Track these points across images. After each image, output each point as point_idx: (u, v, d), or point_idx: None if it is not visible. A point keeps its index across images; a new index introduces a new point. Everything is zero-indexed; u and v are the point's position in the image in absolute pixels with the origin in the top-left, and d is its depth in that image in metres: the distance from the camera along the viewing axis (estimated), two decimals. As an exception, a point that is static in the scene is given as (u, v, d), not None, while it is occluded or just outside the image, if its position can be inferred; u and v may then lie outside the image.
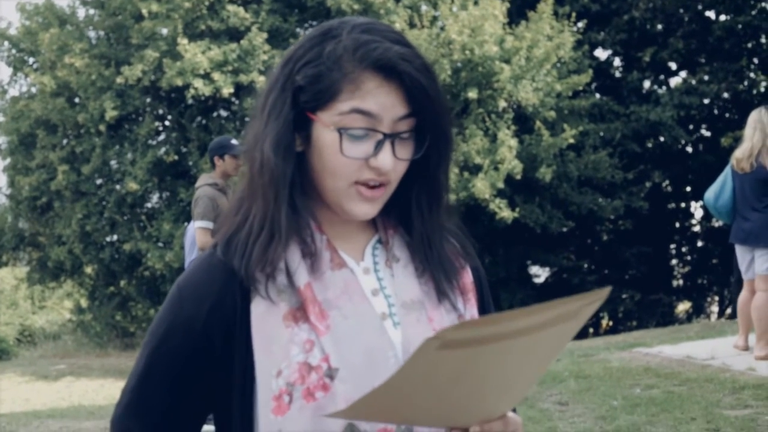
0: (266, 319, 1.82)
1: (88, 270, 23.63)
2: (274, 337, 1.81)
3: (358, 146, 1.82)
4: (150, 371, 1.91)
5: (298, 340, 1.80)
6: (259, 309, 1.83)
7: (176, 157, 21.69)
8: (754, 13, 23.09)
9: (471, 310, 2.01)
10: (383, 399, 1.57)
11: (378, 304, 1.90)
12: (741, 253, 9.46)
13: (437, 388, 1.57)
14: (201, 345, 1.85)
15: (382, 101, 1.81)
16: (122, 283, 23.65)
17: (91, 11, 23.46)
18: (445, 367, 1.51)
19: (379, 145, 1.83)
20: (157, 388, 1.90)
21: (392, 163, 1.84)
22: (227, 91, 19.95)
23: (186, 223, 17.53)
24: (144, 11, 20.44)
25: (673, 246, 26.16)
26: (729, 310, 23.95)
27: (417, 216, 1.96)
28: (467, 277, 2.05)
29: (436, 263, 1.97)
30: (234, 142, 8.93)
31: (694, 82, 23.67)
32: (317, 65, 1.83)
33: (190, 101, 21.27)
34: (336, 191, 1.87)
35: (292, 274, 1.84)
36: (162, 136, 22.88)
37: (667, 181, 24.69)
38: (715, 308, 25.79)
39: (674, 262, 26.41)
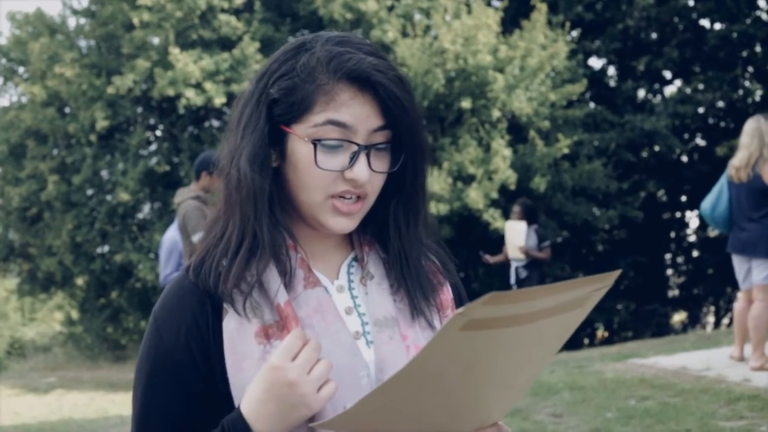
0: (238, 335, 1.81)
1: (79, 281, 23.62)
2: (245, 354, 1.79)
3: (333, 158, 1.82)
4: (147, 411, 1.87)
5: (270, 358, 1.76)
6: (230, 325, 1.81)
7: (168, 168, 21.71)
8: (748, 21, 23.09)
9: None
10: (382, 401, 1.57)
11: (351, 322, 1.89)
12: (738, 263, 9.42)
13: (443, 386, 1.57)
14: (187, 371, 1.83)
15: (356, 112, 1.80)
16: (113, 294, 23.63)
17: (82, 20, 23.52)
18: (460, 354, 1.51)
19: (354, 157, 1.82)
20: (159, 426, 1.86)
21: (368, 174, 1.83)
22: (219, 100, 19.94)
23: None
24: (135, 20, 20.44)
25: (668, 256, 26.11)
26: (726, 320, 23.92)
27: (394, 232, 1.96)
28: (446, 294, 2.03)
29: (413, 280, 1.96)
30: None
31: (688, 91, 23.66)
32: (291, 77, 1.83)
33: (181, 111, 21.28)
34: (312, 205, 1.86)
35: (269, 291, 1.83)
36: (153, 146, 22.93)
37: (662, 191, 24.66)
38: (710, 318, 25.74)
39: (670, 272, 26.38)
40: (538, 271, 13.25)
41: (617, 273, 1.60)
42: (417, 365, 1.50)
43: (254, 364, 1.78)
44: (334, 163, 1.81)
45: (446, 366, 1.53)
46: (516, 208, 13.81)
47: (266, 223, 1.83)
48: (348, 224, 1.88)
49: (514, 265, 13.26)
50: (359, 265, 1.98)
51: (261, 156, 1.83)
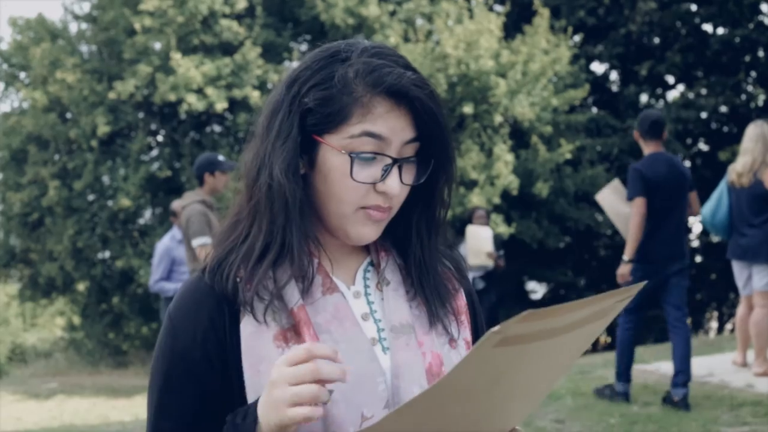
0: (255, 339, 1.82)
1: (80, 287, 23.53)
2: (263, 358, 1.80)
3: (366, 170, 1.83)
4: (162, 410, 1.88)
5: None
6: (247, 329, 1.82)
7: (169, 173, 21.64)
8: (751, 26, 23.04)
9: (464, 333, 2.02)
10: (409, 417, 1.57)
11: (368, 328, 1.90)
12: (738, 269, 9.42)
13: (470, 399, 1.59)
14: (203, 370, 1.85)
15: (392, 125, 1.82)
16: (114, 300, 23.53)
17: (83, 26, 23.45)
18: (490, 369, 1.54)
19: (387, 170, 1.84)
20: (174, 425, 1.87)
21: (399, 188, 1.85)
22: (221, 106, 19.89)
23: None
24: (137, 26, 20.37)
25: (671, 261, 25.96)
26: (729, 326, 23.83)
27: (416, 241, 1.98)
28: (461, 300, 2.05)
29: (431, 288, 1.97)
30: (221, 158, 8.89)
31: (691, 96, 23.60)
32: (327, 88, 1.83)
33: (183, 116, 21.18)
34: (340, 215, 1.87)
35: (284, 295, 1.83)
36: (155, 152, 22.84)
37: (664, 196, 24.55)
38: (713, 324, 25.64)
39: (672, 277, 26.23)
40: (496, 282, 12.79)
41: (642, 285, 1.64)
42: (449, 382, 1.52)
43: (270, 368, 1.75)
44: (367, 175, 1.83)
45: (476, 381, 1.54)
46: (480, 212, 13.36)
47: (296, 231, 1.83)
48: (373, 233, 1.90)
49: (471, 275, 12.61)
50: (375, 270, 1.98)
51: (294, 165, 1.83)
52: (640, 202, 8.47)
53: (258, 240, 1.85)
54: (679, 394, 8.49)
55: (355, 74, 1.82)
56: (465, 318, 2.04)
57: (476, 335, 2.08)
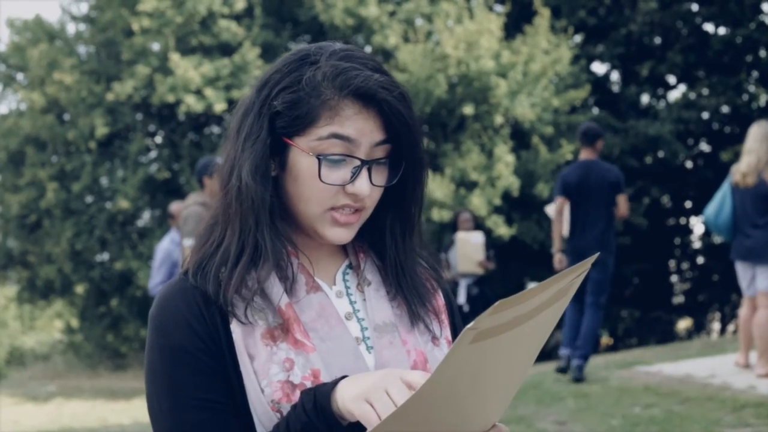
0: (245, 338, 1.82)
1: (79, 289, 23.55)
2: (254, 356, 1.81)
3: (335, 172, 1.85)
4: (179, 410, 1.82)
5: (277, 359, 1.80)
6: (237, 330, 1.82)
7: (168, 175, 21.68)
8: (753, 26, 22.97)
9: (445, 332, 2.05)
10: (397, 425, 1.58)
11: (352, 328, 1.92)
12: (742, 270, 9.39)
13: (453, 401, 1.60)
14: (207, 355, 1.83)
15: (360, 127, 1.83)
16: (113, 302, 23.53)
17: (81, 27, 23.53)
18: (469, 366, 1.55)
19: (356, 171, 1.85)
20: (198, 418, 1.82)
21: (369, 189, 1.87)
22: (219, 107, 19.84)
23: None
24: (135, 26, 20.37)
25: (672, 262, 25.95)
26: (731, 327, 23.77)
27: (390, 243, 2.00)
28: (440, 300, 2.08)
29: (410, 288, 2.00)
30: (219, 160, 8.88)
31: (692, 96, 23.54)
32: (296, 91, 1.85)
33: (181, 118, 21.18)
34: (310, 216, 1.89)
35: (271, 295, 1.84)
36: (153, 153, 22.88)
37: (666, 197, 24.50)
38: (716, 325, 25.58)
39: (674, 278, 26.21)
40: (487, 287, 12.54)
41: (594, 257, 1.68)
42: (432, 386, 1.53)
43: (262, 366, 1.79)
44: (336, 177, 1.84)
45: (456, 381, 1.56)
46: (465, 216, 12.89)
47: (268, 233, 1.84)
48: (345, 235, 1.90)
49: (464, 282, 12.28)
50: (354, 272, 2.00)
51: (263, 167, 1.85)
52: (558, 201, 10.24)
53: (232, 242, 1.86)
54: (574, 364, 10.33)
55: (322, 77, 1.83)
56: (445, 317, 2.06)
57: (454, 334, 2.09)
